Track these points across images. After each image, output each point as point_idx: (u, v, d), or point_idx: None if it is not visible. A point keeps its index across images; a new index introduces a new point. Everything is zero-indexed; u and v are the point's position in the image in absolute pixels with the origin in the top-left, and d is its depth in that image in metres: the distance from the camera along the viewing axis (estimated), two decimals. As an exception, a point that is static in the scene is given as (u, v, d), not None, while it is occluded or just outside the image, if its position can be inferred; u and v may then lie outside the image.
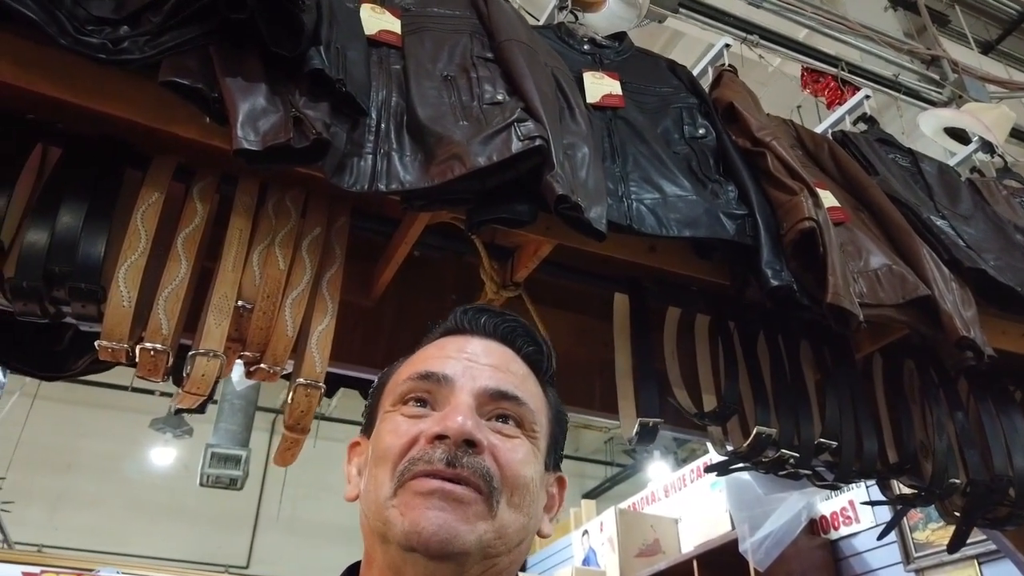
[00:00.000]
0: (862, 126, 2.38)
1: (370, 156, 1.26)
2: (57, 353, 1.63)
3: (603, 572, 4.24)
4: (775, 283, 1.35)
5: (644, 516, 4.36)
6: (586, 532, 5.11)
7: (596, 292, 1.92)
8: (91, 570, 5.58)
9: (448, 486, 0.65)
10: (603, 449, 10.38)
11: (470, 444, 0.67)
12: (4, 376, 1.84)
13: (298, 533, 8.57)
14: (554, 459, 0.78)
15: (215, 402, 5.65)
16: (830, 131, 2.32)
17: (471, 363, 0.73)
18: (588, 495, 9.54)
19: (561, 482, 0.80)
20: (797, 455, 1.64)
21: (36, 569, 5.44)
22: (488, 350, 0.75)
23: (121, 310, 1.22)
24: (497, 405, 0.71)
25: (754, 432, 1.59)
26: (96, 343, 1.23)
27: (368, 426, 0.78)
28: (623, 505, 4.73)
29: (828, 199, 1.61)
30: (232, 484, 5.90)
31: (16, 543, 6.79)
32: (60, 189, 1.28)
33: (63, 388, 7.84)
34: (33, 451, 7.60)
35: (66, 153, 1.33)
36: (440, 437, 0.67)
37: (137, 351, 1.24)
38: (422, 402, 0.71)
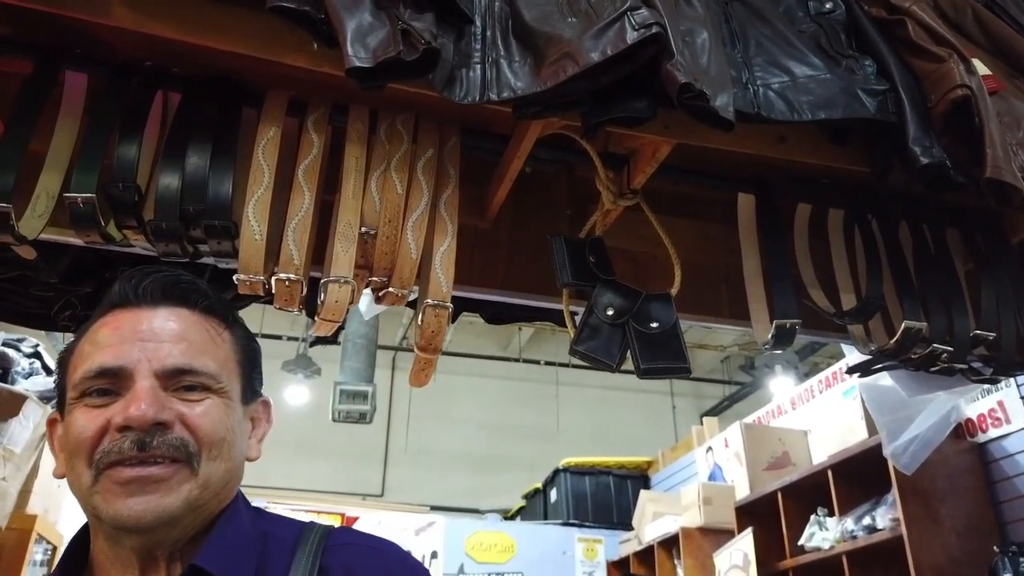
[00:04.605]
0: (1008, -13, 2.11)
1: (478, 66, 1.22)
2: (198, 294, 1.72)
3: (732, 486, 4.21)
4: (925, 161, 1.23)
5: (771, 429, 4.26)
6: (710, 449, 5.08)
7: (716, 196, 1.83)
8: (244, 502, 6.06)
9: (144, 471, 0.70)
10: (719, 368, 10.22)
11: (159, 425, 0.72)
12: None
13: (425, 462, 8.99)
14: (251, 389, 0.85)
15: (338, 343, 5.90)
16: (970, -4, 2.08)
17: (145, 343, 0.75)
18: (707, 414, 9.48)
19: (265, 404, 0.88)
20: (951, 349, 1.53)
21: (197, 503, 5.97)
22: (163, 321, 0.78)
23: (254, 244, 1.26)
24: (179, 379, 0.75)
25: (902, 327, 1.49)
26: (234, 278, 1.28)
27: (60, 405, 0.80)
28: (748, 420, 4.65)
29: (979, 67, 1.44)
30: (362, 418, 6.20)
31: (177, 481, 7.43)
32: (185, 132, 1.31)
33: (201, 339, 8.39)
34: (181, 398, 8.23)
35: (185, 97, 1.37)
36: (126, 427, 0.71)
37: (272, 283, 1.28)
38: (104, 392, 0.74)
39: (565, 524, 6.07)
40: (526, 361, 9.62)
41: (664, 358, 1.44)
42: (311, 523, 0.82)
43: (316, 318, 1.33)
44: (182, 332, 0.78)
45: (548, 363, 9.57)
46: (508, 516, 7.16)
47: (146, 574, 0.73)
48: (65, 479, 0.77)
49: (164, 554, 0.74)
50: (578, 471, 6.33)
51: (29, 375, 2.76)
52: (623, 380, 9.44)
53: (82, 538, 0.78)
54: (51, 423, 0.82)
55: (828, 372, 4.12)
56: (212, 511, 0.76)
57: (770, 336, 1.50)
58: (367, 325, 6.10)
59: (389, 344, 8.96)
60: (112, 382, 0.74)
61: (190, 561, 0.73)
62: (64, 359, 0.81)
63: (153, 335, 0.76)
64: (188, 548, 0.75)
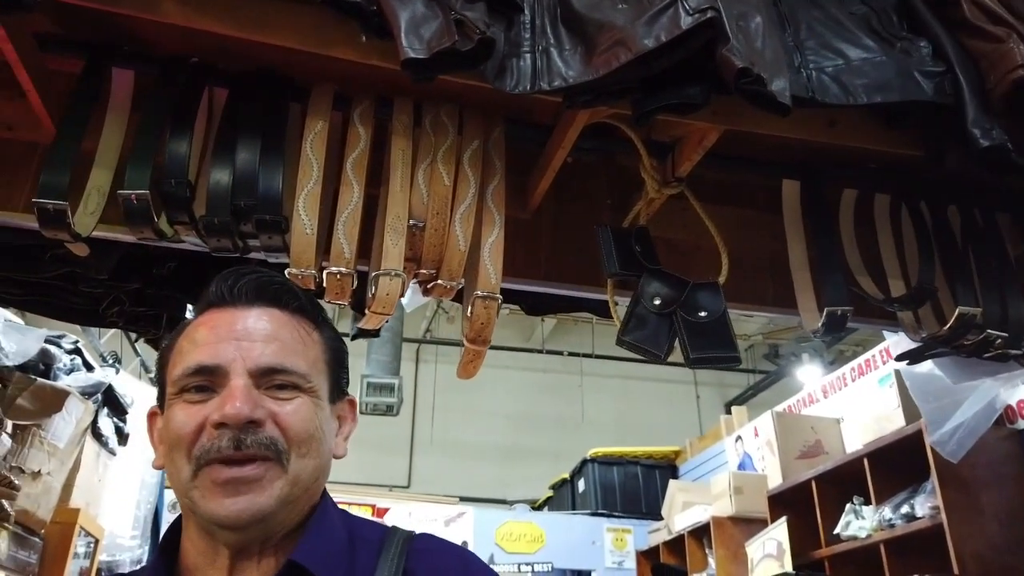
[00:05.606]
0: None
1: (528, 55, 1.21)
2: (243, 289, 1.73)
3: (763, 475, 4.18)
4: (985, 143, 1.21)
5: (803, 418, 4.22)
6: (739, 438, 5.04)
7: (759, 183, 1.81)
8: (276, 494, 6.12)
9: (240, 472, 0.73)
10: (744, 357, 10.15)
11: (252, 423, 0.73)
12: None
13: (451, 453, 9.02)
14: (339, 388, 0.86)
15: (379, 335, 5.92)
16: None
17: (240, 342, 0.77)
18: (731, 403, 9.42)
19: (351, 404, 0.89)
20: (1005, 335, 1.50)
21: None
22: (257, 321, 0.80)
23: (305, 238, 1.26)
24: (271, 378, 0.77)
25: (956, 313, 1.47)
26: (285, 272, 1.28)
27: (160, 399, 0.82)
28: (779, 408, 4.61)
29: (1035, 46, 1.41)
30: (389, 410, 6.23)
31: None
32: (233, 127, 1.32)
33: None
34: (210, 392, 8.31)
35: (232, 92, 1.37)
36: (223, 424, 0.73)
37: (324, 276, 1.28)
38: (202, 388, 0.76)
39: (594, 514, 6.07)
40: (549, 352, 9.61)
41: (714, 347, 1.43)
42: (394, 527, 0.84)
43: (367, 311, 1.33)
44: (274, 332, 0.80)
45: (572, 354, 9.56)
46: (536, 506, 7.18)
47: (236, 566, 0.75)
48: (164, 470, 0.79)
49: (257, 548, 0.75)
50: (606, 461, 6.32)
51: (70, 371, 2.80)
52: (647, 370, 9.40)
53: (177, 527, 0.81)
54: (151, 416, 0.85)
55: (861, 360, 4.08)
56: (303, 508, 0.78)
57: (820, 324, 1.49)
58: (393, 318, 6.12)
59: (413, 337, 9.00)
60: (209, 379, 0.76)
61: (285, 556, 0.74)
62: (164, 356, 0.83)
63: (247, 334, 0.78)
64: (282, 544, 0.76)
